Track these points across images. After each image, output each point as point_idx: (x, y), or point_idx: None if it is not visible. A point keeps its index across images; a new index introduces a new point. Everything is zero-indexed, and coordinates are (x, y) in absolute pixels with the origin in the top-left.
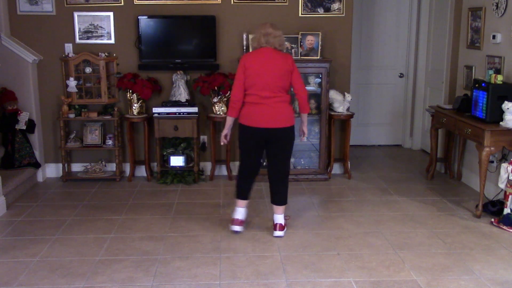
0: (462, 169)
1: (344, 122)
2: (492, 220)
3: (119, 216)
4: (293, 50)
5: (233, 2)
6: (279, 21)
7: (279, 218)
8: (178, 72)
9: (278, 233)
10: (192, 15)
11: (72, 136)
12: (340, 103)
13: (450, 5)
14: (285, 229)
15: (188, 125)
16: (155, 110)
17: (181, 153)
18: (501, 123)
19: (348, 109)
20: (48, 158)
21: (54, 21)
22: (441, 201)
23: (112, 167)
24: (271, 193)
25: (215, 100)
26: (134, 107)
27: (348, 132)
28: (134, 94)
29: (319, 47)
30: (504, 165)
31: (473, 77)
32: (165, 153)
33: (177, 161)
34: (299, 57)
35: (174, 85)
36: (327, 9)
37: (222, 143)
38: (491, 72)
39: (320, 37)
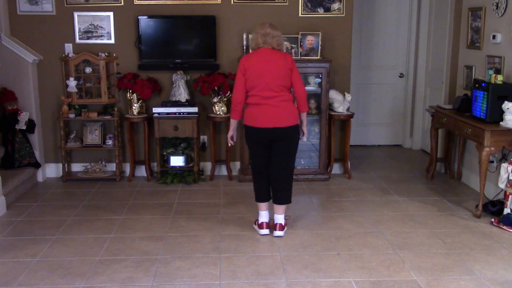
0: (462, 169)
1: (344, 122)
2: (492, 220)
3: (119, 216)
4: (293, 50)
5: (233, 2)
6: (279, 21)
7: (279, 218)
8: (178, 72)
9: (278, 233)
10: (192, 15)
11: (72, 136)
12: (340, 103)
13: (450, 5)
14: (285, 229)
15: (188, 125)
16: (155, 110)
17: (181, 153)
18: (501, 123)
19: (348, 109)
20: (48, 158)
21: (54, 21)
22: (441, 201)
23: (112, 167)
24: (274, 192)
25: (215, 100)
26: (134, 107)
27: (348, 132)
28: (134, 94)
29: (319, 47)
30: (504, 165)
31: (473, 77)
32: (165, 153)
33: (177, 161)
34: (299, 57)
35: (174, 85)
36: (327, 9)
37: (230, 145)
38: (491, 72)
39: (320, 37)
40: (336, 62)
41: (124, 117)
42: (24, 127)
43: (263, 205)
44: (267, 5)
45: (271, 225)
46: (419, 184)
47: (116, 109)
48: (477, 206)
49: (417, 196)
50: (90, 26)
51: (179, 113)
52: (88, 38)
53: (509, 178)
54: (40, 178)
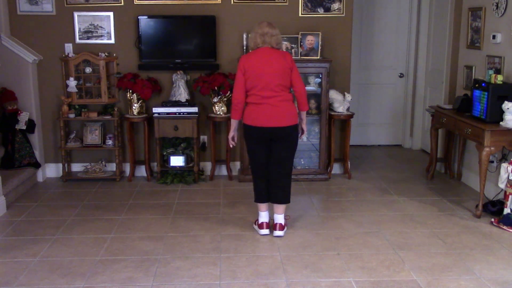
0: (462, 169)
1: (344, 122)
2: (492, 220)
3: (119, 216)
4: (293, 50)
5: (233, 2)
6: (279, 21)
7: (279, 218)
8: (178, 72)
9: (278, 233)
10: (192, 15)
11: (72, 136)
12: (340, 103)
13: (450, 5)
14: (285, 229)
15: (188, 125)
16: (155, 110)
17: (181, 153)
18: (501, 123)
19: (348, 109)
20: (48, 158)
21: (54, 21)
22: (441, 201)
23: (112, 167)
24: (273, 192)
25: (215, 100)
26: (134, 107)
27: (348, 132)
28: (134, 94)
29: (319, 47)
30: (504, 165)
31: (473, 77)
32: (165, 153)
33: (177, 161)
34: (299, 57)
35: (174, 85)
36: (327, 9)
37: (231, 146)
38: (491, 72)
39: (320, 37)
40: (336, 62)
41: (124, 117)
42: (24, 127)
43: (263, 206)
44: (267, 5)
45: (271, 225)
46: (419, 184)
47: (116, 109)
48: (477, 206)
49: (417, 196)
50: (90, 26)
51: (179, 113)
52: (88, 38)
53: (509, 178)
54: (40, 178)
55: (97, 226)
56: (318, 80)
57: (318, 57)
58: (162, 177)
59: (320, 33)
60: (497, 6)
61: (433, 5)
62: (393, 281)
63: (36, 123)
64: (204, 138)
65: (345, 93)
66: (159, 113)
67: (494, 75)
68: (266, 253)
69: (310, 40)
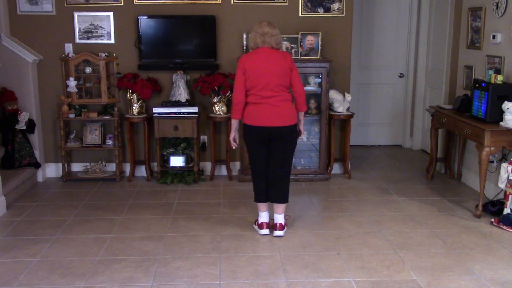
0: (462, 169)
1: (344, 122)
2: (492, 220)
3: (119, 216)
4: (293, 50)
5: (233, 2)
6: (279, 21)
7: (279, 218)
8: (178, 72)
9: (278, 233)
10: (192, 15)
11: (72, 136)
12: (340, 103)
13: (450, 5)
14: (285, 229)
15: (188, 125)
16: (155, 110)
17: (181, 153)
18: (501, 123)
19: (348, 109)
20: (48, 158)
21: (54, 21)
22: (441, 201)
23: (112, 167)
24: (272, 192)
25: (215, 100)
26: (134, 107)
27: (348, 132)
28: (134, 94)
29: (319, 47)
30: (504, 165)
31: (473, 77)
32: (165, 153)
33: (177, 161)
34: (299, 57)
35: (174, 85)
36: (327, 9)
37: (234, 147)
38: (491, 72)
39: (320, 37)
40: (336, 62)
41: (124, 117)
42: (24, 127)
43: (262, 206)
44: (267, 5)
45: (271, 225)
46: (419, 184)
47: (116, 109)
48: (477, 206)
49: (417, 196)
50: (90, 26)
51: (179, 113)
52: (88, 38)
53: (509, 178)
54: (40, 178)
55: (97, 226)
56: (318, 80)
57: (318, 57)
58: (162, 177)
59: (320, 33)
60: (497, 6)
61: (433, 5)
62: (393, 281)
63: (36, 123)
64: (204, 138)
65: (345, 93)
66: (159, 113)
67: (494, 75)
68: (266, 253)
69: (310, 40)
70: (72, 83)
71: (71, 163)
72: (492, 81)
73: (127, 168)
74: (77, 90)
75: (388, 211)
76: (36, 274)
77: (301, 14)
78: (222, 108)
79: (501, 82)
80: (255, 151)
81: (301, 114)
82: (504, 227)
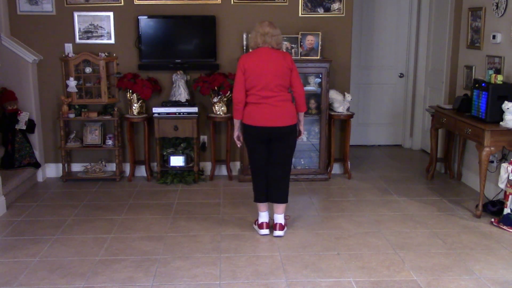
0: (462, 169)
1: (344, 122)
2: (492, 220)
3: (119, 216)
4: (293, 50)
5: (233, 2)
6: (279, 21)
7: (279, 218)
8: (178, 72)
9: (278, 233)
10: (192, 15)
11: (72, 136)
12: (340, 103)
13: (450, 5)
14: (285, 229)
15: (188, 125)
16: (155, 110)
17: (181, 153)
18: (501, 123)
19: (348, 109)
20: (48, 158)
21: (54, 21)
22: (441, 201)
23: (112, 167)
24: (272, 192)
25: (215, 100)
26: (134, 107)
27: (348, 132)
28: (134, 94)
29: (319, 47)
30: (504, 165)
31: (473, 77)
32: (165, 153)
33: (177, 161)
34: (299, 57)
35: (174, 85)
36: (327, 9)
37: (238, 145)
38: (491, 72)
39: (320, 37)
40: (336, 62)
41: (124, 117)
42: (24, 127)
43: (262, 206)
44: (267, 5)
45: (271, 225)
46: (419, 184)
47: (116, 109)
48: (477, 206)
49: (417, 196)
50: (90, 26)
51: (179, 113)
52: (88, 38)
53: (509, 178)
54: (40, 178)
55: (97, 226)
56: (318, 80)
57: (318, 57)
58: (162, 177)
59: (320, 33)
60: (497, 6)
61: (433, 5)
62: (393, 281)
63: (36, 123)
64: (204, 138)
65: (345, 93)
66: (159, 113)
67: (494, 75)
68: (266, 253)
69: (310, 40)
70: (72, 83)
71: (71, 163)
72: (492, 81)
73: (127, 168)
74: (77, 90)
75: (388, 211)
76: (36, 274)
77: (301, 14)
78: (222, 108)
79: (501, 82)
80: (255, 151)
81: (301, 115)
82: (504, 227)
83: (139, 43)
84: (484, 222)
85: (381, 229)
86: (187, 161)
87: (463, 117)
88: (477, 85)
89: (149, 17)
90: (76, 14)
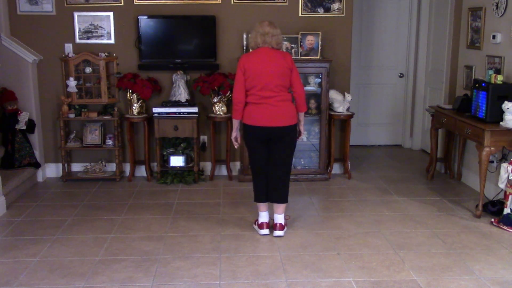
0: (462, 169)
1: (344, 122)
2: (492, 220)
3: (119, 216)
4: (293, 50)
5: (233, 2)
6: (279, 21)
7: (279, 218)
8: (178, 72)
9: (278, 233)
10: (192, 15)
11: (72, 136)
12: (340, 103)
13: (450, 5)
14: (285, 229)
15: (188, 125)
16: (155, 110)
17: (181, 153)
18: (501, 123)
19: (348, 109)
20: (48, 158)
21: (54, 21)
22: (441, 201)
23: (112, 167)
24: (272, 192)
25: (215, 100)
26: (134, 107)
27: (348, 132)
28: (134, 94)
29: (319, 47)
30: (504, 165)
31: (473, 77)
32: (165, 153)
33: (177, 161)
34: (299, 57)
35: (174, 85)
36: (327, 9)
37: (236, 146)
38: (491, 72)
39: (320, 37)
40: (336, 62)
41: (124, 117)
42: (24, 127)
43: (262, 206)
44: (267, 5)
45: (271, 225)
46: (419, 184)
47: (116, 109)
48: (477, 206)
49: (417, 196)
50: (90, 26)
51: (179, 113)
52: (88, 38)
53: (509, 178)
54: (40, 178)
55: (97, 226)
56: (318, 80)
57: (318, 57)
58: (162, 177)
59: (320, 33)
60: (497, 6)
61: (433, 5)
62: (393, 281)
63: (36, 123)
64: (204, 138)
65: (345, 93)
66: (159, 113)
67: (494, 75)
68: (266, 253)
69: (310, 40)
70: (72, 83)
71: (71, 163)
72: (492, 81)
73: (127, 168)
74: (77, 90)
75: (388, 211)
76: (36, 274)
77: (301, 14)
78: (222, 108)
79: (501, 82)
80: (255, 151)
81: (301, 115)
82: (504, 227)
83: (139, 43)
84: (484, 222)
85: (381, 229)
86: (187, 161)
87: (463, 117)
88: (477, 85)
89: (149, 17)
90: (76, 14)
